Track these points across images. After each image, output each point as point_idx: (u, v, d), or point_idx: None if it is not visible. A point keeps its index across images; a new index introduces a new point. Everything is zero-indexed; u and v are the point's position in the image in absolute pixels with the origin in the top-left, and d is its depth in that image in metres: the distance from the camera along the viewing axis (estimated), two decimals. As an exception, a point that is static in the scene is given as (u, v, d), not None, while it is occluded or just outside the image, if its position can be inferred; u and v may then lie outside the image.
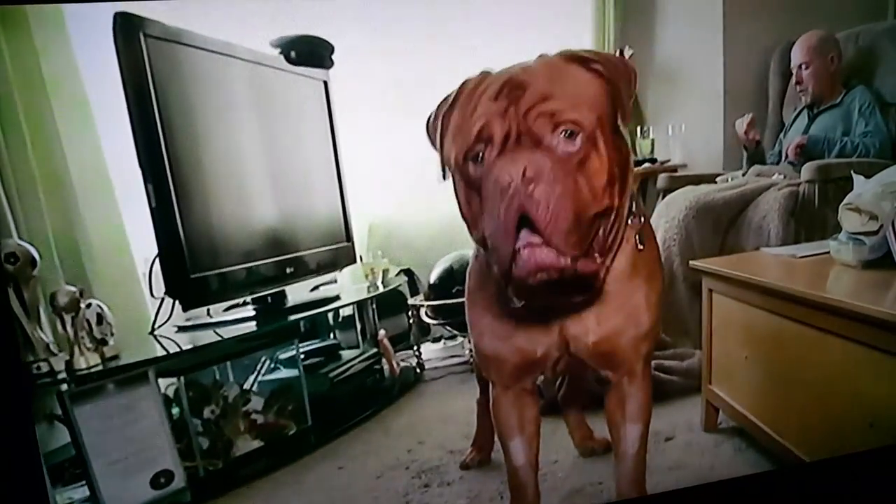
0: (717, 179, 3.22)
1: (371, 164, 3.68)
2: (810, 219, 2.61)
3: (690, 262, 2.22)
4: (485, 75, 1.19)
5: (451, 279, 3.18)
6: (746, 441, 1.99)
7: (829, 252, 1.79)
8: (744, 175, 3.19)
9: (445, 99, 1.25)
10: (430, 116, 1.29)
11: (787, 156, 3.07)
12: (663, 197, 3.24)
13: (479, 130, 1.10)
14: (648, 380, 1.44)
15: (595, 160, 1.09)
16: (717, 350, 2.08)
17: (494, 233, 1.06)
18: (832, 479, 1.32)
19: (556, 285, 1.09)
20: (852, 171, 1.81)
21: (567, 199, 1.04)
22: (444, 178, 1.22)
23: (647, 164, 3.99)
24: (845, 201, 1.71)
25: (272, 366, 2.76)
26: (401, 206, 3.80)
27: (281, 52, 2.94)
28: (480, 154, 1.11)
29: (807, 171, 2.66)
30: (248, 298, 2.75)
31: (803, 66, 3.10)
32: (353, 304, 3.03)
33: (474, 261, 1.43)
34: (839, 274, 1.70)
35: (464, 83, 1.22)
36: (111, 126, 2.69)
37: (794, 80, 3.21)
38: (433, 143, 1.27)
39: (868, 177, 1.75)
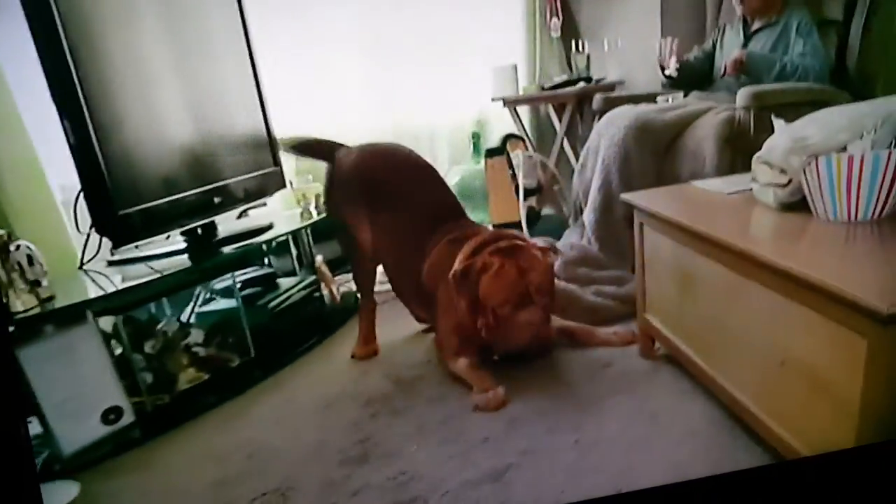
0: (657, 99, 3.32)
1: (294, 78, 3.69)
2: (746, 146, 2.63)
3: (621, 195, 2.36)
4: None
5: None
6: (681, 369, 2.14)
7: (753, 189, 1.92)
8: (685, 97, 3.29)
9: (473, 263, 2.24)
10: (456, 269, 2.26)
11: (724, 72, 3.11)
12: (599, 118, 3.33)
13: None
14: None
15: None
16: (650, 281, 2.23)
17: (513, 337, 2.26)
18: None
19: None
20: (773, 116, 1.90)
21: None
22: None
23: (581, 84, 4.07)
24: (758, 154, 1.83)
25: (208, 297, 2.84)
26: (328, 124, 3.83)
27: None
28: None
29: (742, 97, 2.72)
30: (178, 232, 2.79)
31: None
32: (287, 234, 3.09)
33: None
34: (760, 216, 1.81)
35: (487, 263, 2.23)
36: (11, 56, 2.70)
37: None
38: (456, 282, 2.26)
39: (804, 105, 1.85)
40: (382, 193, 2.59)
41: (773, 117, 1.88)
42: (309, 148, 2.90)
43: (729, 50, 3.17)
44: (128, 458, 2.21)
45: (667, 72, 3.25)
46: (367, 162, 2.65)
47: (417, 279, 2.48)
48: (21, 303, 2.24)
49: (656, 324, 2.20)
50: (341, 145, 2.79)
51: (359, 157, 2.67)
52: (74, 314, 2.25)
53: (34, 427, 2.24)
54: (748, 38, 3.14)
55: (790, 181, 1.71)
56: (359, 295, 2.80)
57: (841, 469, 1.33)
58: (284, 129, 3.25)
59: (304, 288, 3.17)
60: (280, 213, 3.37)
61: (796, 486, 1.37)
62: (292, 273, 3.35)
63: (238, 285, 2.76)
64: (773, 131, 1.85)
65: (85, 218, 2.48)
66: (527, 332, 2.23)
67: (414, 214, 2.54)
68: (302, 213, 3.26)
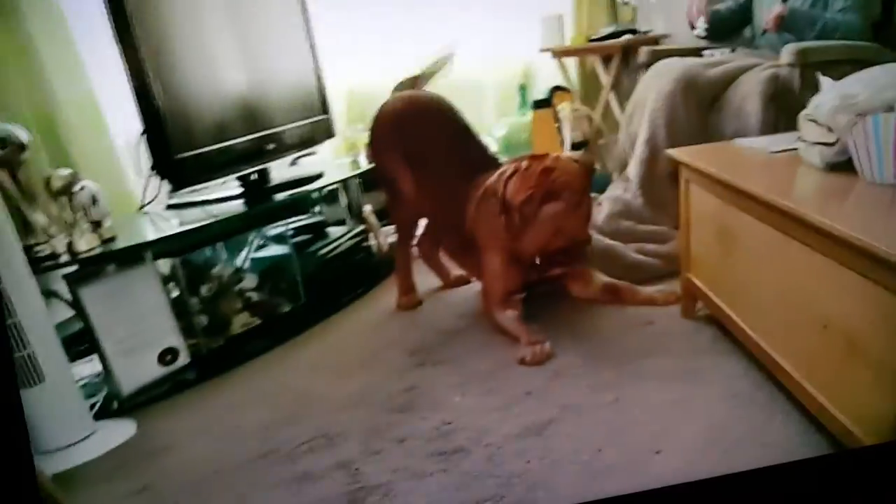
0: (703, 54, 3.28)
1: (343, 29, 3.71)
2: (790, 104, 2.60)
3: (667, 150, 2.38)
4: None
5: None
6: (722, 329, 2.16)
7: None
8: (732, 51, 3.24)
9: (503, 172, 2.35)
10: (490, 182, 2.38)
11: (764, 29, 3.03)
12: (645, 71, 3.31)
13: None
14: None
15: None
16: (694, 240, 2.24)
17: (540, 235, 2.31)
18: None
19: None
20: (819, 74, 1.88)
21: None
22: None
23: (627, 35, 4.03)
24: (804, 111, 1.80)
25: (262, 243, 2.91)
26: (380, 74, 3.85)
27: None
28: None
29: (786, 54, 2.68)
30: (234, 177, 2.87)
31: None
32: (337, 183, 3.15)
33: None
34: (805, 176, 1.80)
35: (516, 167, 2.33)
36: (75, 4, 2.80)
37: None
38: (495, 196, 2.34)
39: (849, 63, 1.82)
40: (422, 142, 2.63)
41: (819, 75, 1.86)
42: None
43: (769, 4, 3.05)
44: (182, 398, 2.32)
45: (695, 32, 3.22)
46: (407, 110, 2.71)
47: (460, 230, 2.54)
48: (84, 242, 2.33)
49: (699, 283, 2.21)
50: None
51: (400, 105, 2.74)
52: (134, 255, 2.35)
53: (94, 366, 2.36)
54: None
55: (837, 140, 1.69)
56: (397, 243, 2.87)
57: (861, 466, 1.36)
58: (334, 79, 3.30)
59: (352, 237, 3.24)
60: (330, 162, 3.43)
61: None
62: (341, 222, 3.40)
63: (290, 232, 2.83)
64: (818, 89, 1.83)
65: (146, 162, 2.56)
66: (550, 225, 2.28)
67: (453, 163, 2.59)
68: (351, 162, 3.31)
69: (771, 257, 1.71)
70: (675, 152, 2.24)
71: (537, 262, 2.39)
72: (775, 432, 1.67)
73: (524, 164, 2.32)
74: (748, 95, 2.74)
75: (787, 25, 2.90)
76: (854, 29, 2.80)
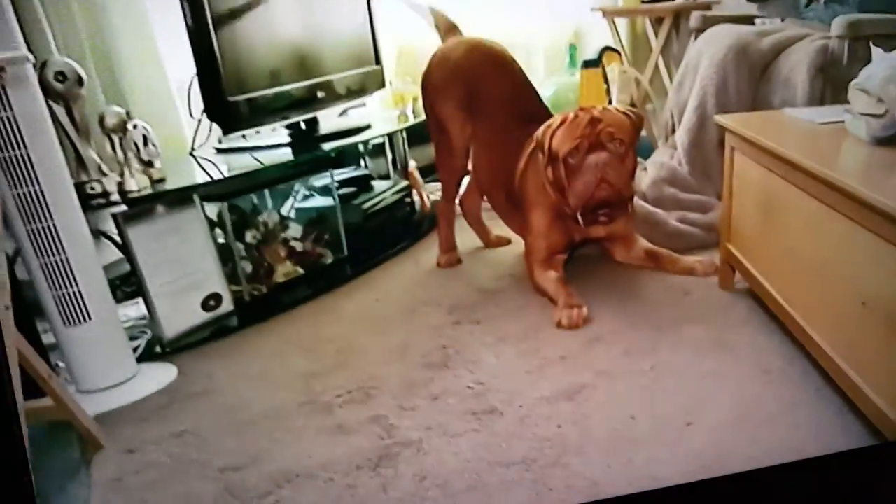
0: (755, 21, 3.25)
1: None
2: (839, 77, 2.61)
3: (716, 116, 2.37)
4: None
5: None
6: (759, 303, 2.16)
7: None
8: (782, 21, 3.21)
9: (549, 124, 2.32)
10: (537, 134, 2.34)
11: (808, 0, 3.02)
12: (695, 37, 3.31)
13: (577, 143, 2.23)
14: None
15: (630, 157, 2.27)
16: (736, 210, 2.23)
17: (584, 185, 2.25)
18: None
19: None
20: (871, 43, 1.84)
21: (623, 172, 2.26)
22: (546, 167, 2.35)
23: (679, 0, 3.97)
24: (855, 81, 1.77)
25: (307, 193, 2.94)
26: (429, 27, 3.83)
27: None
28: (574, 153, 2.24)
29: (837, 25, 2.66)
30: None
31: None
32: (384, 136, 3.16)
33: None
34: (851, 148, 1.78)
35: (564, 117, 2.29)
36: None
37: None
38: (541, 148, 2.33)
39: None
40: (480, 91, 2.61)
41: (871, 45, 1.83)
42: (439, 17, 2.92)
43: None
44: (223, 344, 2.36)
45: None
46: (468, 56, 2.66)
47: (509, 185, 2.55)
48: (135, 182, 2.37)
49: (738, 255, 2.21)
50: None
51: (460, 50, 2.68)
52: (183, 197, 2.39)
53: (140, 308, 2.41)
54: None
55: (886, 112, 1.67)
56: (441, 196, 2.84)
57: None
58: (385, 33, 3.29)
59: (396, 192, 3.25)
60: (378, 114, 3.43)
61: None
62: (386, 176, 3.42)
63: (335, 184, 2.85)
64: (867, 62, 1.80)
65: (197, 105, 2.62)
66: (594, 174, 2.23)
67: (510, 115, 2.58)
68: (399, 116, 3.32)
69: (812, 229, 1.70)
70: (722, 118, 2.25)
71: (580, 219, 2.33)
72: (806, 411, 1.66)
73: (571, 114, 2.28)
74: (797, 66, 2.72)
75: None
76: None
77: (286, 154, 2.79)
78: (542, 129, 2.33)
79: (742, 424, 1.64)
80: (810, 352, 1.75)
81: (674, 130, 3.17)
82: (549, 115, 2.53)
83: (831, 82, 2.64)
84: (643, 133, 3.81)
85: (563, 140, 2.25)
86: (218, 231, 2.55)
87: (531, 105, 2.62)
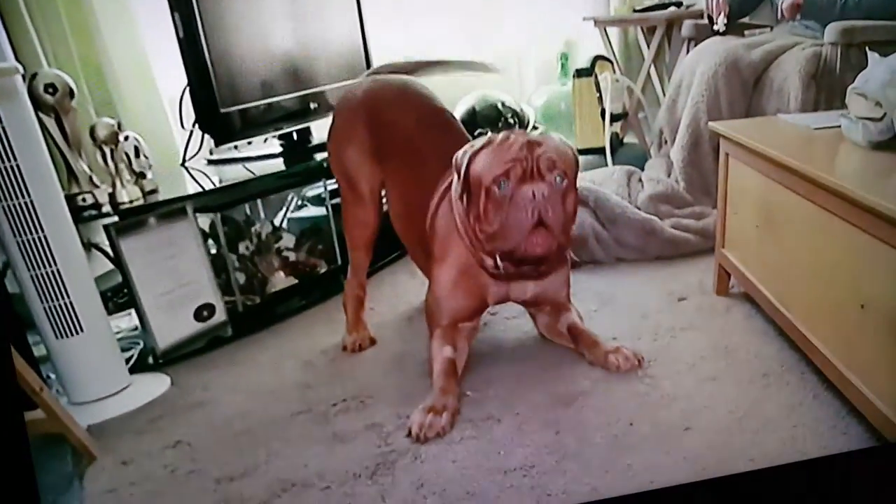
0: (746, 33, 3.26)
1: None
2: (832, 84, 2.63)
3: (710, 123, 2.36)
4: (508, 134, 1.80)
5: (473, 120, 3.30)
6: (756, 308, 2.17)
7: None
8: (771, 30, 3.22)
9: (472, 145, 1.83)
10: (457, 156, 1.83)
11: (782, 15, 3.00)
12: (688, 46, 3.32)
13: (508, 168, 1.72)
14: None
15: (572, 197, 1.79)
16: (731, 215, 2.23)
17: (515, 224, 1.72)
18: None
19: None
20: (867, 48, 1.85)
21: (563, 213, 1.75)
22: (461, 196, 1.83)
23: (672, 8, 3.98)
24: (853, 85, 1.78)
25: (300, 203, 2.94)
26: (421, 39, 3.84)
27: None
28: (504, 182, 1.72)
29: (830, 32, 2.65)
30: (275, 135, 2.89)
31: None
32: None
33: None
34: (848, 153, 1.79)
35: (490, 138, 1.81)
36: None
37: None
38: (458, 172, 1.82)
39: (892, 44, 1.80)
40: (382, 125, 2.15)
41: (867, 50, 1.84)
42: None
43: None
44: (217, 355, 2.35)
45: (715, 27, 3.15)
46: (365, 90, 2.23)
47: (423, 230, 2.05)
48: (126, 193, 2.37)
49: (734, 260, 2.21)
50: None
51: (360, 87, 2.27)
52: (176, 208, 2.37)
53: (132, 319, 2.40)
54: None
55: (884, 115, 1.68)
56: (349, 269, 2.34)
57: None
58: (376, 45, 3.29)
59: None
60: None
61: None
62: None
63: (328, 194, 2.84)
64: (861, 69, 1.81)
65: (189, 116, 2.62)
66: (529, 210, 1.69)
67: (420, 148, 2.10)
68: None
69: (809, 233, 1.71)
70: (717, 125, 2.24)
71: (500, 270, 1.84)
72: (806, 414, 1.66)
73: (500, 136, 1.80)
74: (789, 75, 2.72)
75: (806, 12, 2.90)
76: (881, 7, 2.72)
77: (279, 164, 2.78)
78: (459, 152, 1.83)
79: (741, 429, 1.64)
80: (809, 355, 1.76)
81: (664, 143, 3.20)
82: None
83: (825, 89, 2.65)
84: (635, 141, 3.88)
85: (490, 163, 1.74)
86: (211, 242, 2.54)
87: (451, 137, 2.10)
